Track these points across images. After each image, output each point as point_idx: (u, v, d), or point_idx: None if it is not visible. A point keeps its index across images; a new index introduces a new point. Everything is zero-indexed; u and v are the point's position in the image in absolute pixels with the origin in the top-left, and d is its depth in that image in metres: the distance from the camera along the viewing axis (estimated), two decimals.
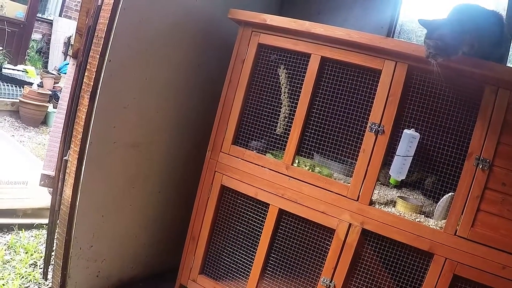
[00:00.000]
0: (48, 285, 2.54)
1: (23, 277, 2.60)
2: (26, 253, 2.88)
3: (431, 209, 2.10)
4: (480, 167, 1.85)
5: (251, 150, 2.37)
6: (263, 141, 2.38)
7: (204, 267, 2.52)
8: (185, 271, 2.54)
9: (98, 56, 2.14)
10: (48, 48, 9.04)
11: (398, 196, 2.15)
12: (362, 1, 3.05)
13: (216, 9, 2.59)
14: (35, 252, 2.91)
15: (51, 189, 2.48)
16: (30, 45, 8.60)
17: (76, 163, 2.22)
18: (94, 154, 2.25)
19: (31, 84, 6.26)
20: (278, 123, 2.37)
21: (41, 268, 2.67)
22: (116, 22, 2.12)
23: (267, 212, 2.30)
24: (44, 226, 3.18)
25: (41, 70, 7.83)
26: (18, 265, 2.70)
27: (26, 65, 7.86)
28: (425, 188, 2.24)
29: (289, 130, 2.26)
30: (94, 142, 2.23)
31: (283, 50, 2.30)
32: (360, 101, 2.16)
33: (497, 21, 1.90)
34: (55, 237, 2.41)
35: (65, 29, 9.00)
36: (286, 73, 2.36)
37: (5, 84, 6.17)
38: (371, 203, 2.06)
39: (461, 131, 1.96)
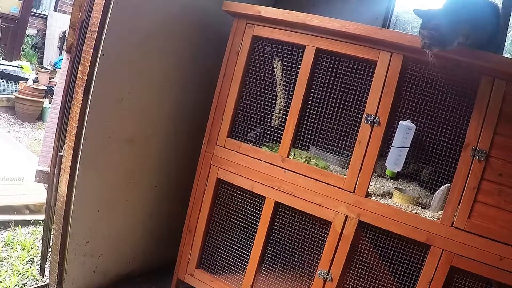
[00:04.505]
0: (45, 281, 2.53)
1: (20, 273, 2.59)
2: (23, 249, 2.87)
3: (428, 201, 2.09)
4: (477, 158, 1.84)
5: (249, 142, 2.36)
6: (260, 130, 2.37)
7: (201, 261, 2.52)
8: (182, 265, 2.54)
9: (91, 51, 2.12)
10: (43, 43, 9.00)
11: (394, 188, 2.15)
12: None
13: (211, 1, 2.56)
14: (32, 248, 2.90)
15: (47, 185, 2.48)
16: (25, 41, 8.56)
17: (71, 158, 2.21)
18: (89, 149, 2.24)
19: (26, 79, 6.23)
20: (274, 115, 2.36)
21: (38, 265, 2.67)
22: (109, 16, 2.11)
23: (263, 205, 2.29)
24: (41, 222, 3.17)
25: (36, 66, 7.79)
26: (15, 262, 2.69)
27: (21, 60, 7.82)
28: (422, 179, 2.24)
29: (285, 123, 2.25)
30: (88, 137, 2.21)
31: (277, 42, 2.28)
32: (355, 92, 2.15)
33: (493, 11, 1.89)
34: (52, 233, 2.40)
35: (60, 23, 8.95)
36: (281, 65, 2.34)
37: (0, 80, 6.14)
38: (368, 195, 2.06)
39: (457, 122, 1.95)
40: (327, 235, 2.14)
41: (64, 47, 7.85)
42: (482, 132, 1.84)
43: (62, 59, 6.90)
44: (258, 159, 2.30)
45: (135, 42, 2.27)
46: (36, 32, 9.07)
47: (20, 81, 6.11)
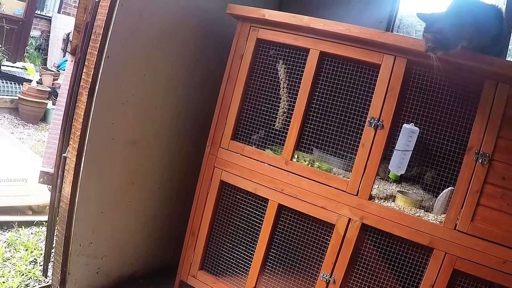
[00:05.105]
0: (48, 282, 2.54)
1: (23, 274, 2.60)
2: (26, 250, 2.88)
3: (431, 204, 2.09)
4: (480, 161, 1.84)
5: (253, 144, 2.36)
6: (264, 132, 2.37)
7: (204, 263, 2.52)
8: (185, 267, 2.55)
9: (96, 53, 2.13)
10: (47, 45, 9.03)
11: (397, 191, 2.15)
12: None
13: (215, 4, 2.57)
14: (35, 249, 2.91)
15: (51, 186, 2.48)
16: (29, 42, 8.57)
17: (75, 160, 2.21)
18: (93, 150, 2.24)
19: (30, 81, 6.24)
20: (277, 118, 2.36)
21: (41, 265, 2.67)
22: (114, 18, 2.12)
23: (266, 208, 2.30)
24: (44, 223, 3.18)
25: (40, 67, 7.81)
26: (18, 263, 2.70)
27: (25, 62, 7.83)
28: (425, 182, 2.24)
29: (288, 125, 2.25)
30: (93, 139, 2.22)
31: (281, 45, 2.29)
32: (359, 95, 2.16)
33: (496, 15, 1.89)
34: (55, 234, 2.41)
35: (64, 25, 8.98)
36: (285, 68, 2.35)
37: (4, 81, 6.16)
38: (371, 197, 2.06)
39: (461, 125, 1.95)
40: (330, 238, 2.14)
41: (68, 49, 7.89)
42: (485, 136, 1.84)
43: (66, 61, 6.92)
44: (262, 162, 2.30)
45: (139, 44, 2.28)
46: (40, 33, 9.10)
47: (24, 83, 6.13)
